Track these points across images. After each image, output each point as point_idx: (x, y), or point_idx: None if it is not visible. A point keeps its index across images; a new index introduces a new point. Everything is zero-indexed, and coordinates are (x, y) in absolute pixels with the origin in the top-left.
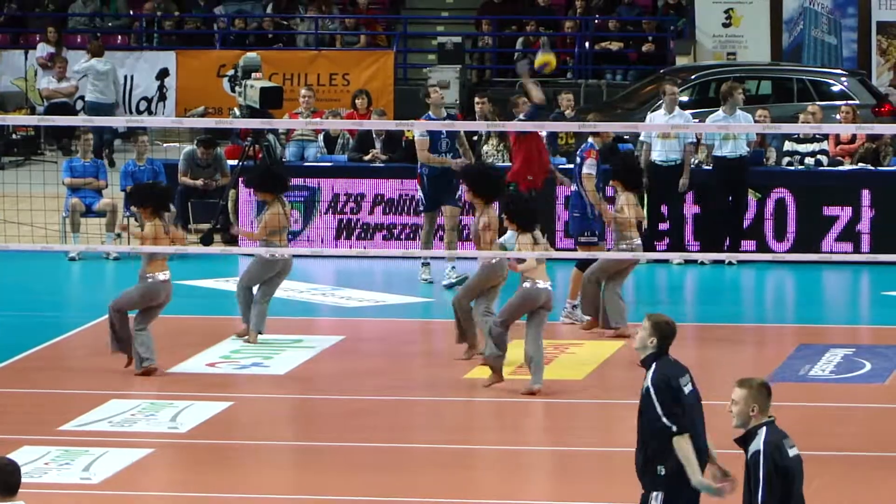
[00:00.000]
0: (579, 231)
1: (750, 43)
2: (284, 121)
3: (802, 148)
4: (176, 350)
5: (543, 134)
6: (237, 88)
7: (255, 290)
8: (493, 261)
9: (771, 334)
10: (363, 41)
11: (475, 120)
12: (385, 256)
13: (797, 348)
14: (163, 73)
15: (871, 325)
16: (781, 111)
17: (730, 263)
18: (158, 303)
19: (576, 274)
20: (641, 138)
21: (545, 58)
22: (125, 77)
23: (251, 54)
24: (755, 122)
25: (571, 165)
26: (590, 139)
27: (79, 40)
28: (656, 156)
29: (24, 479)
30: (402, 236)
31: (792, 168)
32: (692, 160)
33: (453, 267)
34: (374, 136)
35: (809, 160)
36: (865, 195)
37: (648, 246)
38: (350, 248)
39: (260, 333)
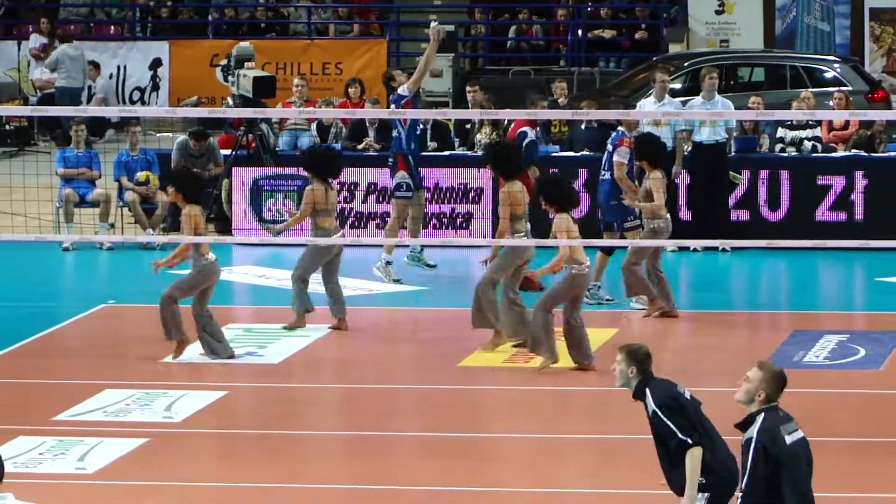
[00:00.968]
0: (623, 217)
1: (743, 30)
2: (278, 110)
3: (795, 134)
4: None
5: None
6: (230, 78)
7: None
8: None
9: (765, 321)
10: (356, 30)
11: (468, 108)
12: (379, 245)
13: (791, 334)
14: (156, 63)
15: (865, 311)
16: (775, 98)
17: (724, 250)
18: (213, 282)
19: (600, 257)
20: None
21: None
22: (118, 67)
23: (244, 44)
24: (748, 108)
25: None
26: (620, 127)
27: (72, 29)
28: None
29: (18, 470)
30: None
31: (785, 154)
32: (685, 147)
33: (422, 249)
34: (367, 124)
35: (807, 144)
36: (859, 177)
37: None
38: (343, 236)
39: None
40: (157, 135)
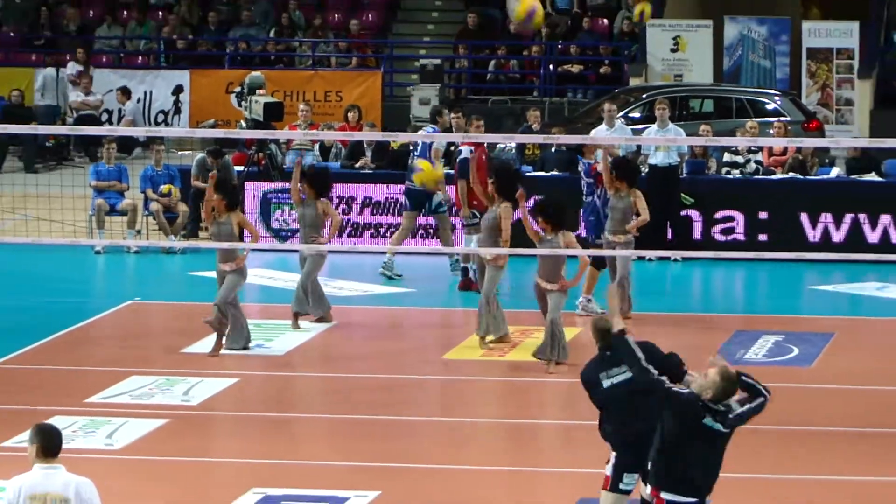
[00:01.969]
0: (597, 233)
1: (694, 66)
2: (285, 132)
3: (741, 158)
4: (190, 332)
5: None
6: (243, 103)
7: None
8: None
9: (711, 322)
10: (354, 62)
11: (452, 132)
12: (373, 251)
13: (734, 334)
14: (178, 90)
15: (799, 315)
16: (722, 126)
17: (675, 260)
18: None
19: (591, 271)
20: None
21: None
22: (144, 92)
23: (256, 73)
24: (699, 135)
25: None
26: (587, 157)
27: (104, 60)
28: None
29: None
30: (388, 234)
31: (730, 176)
32: (642, 168)
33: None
34: (364, 145)
35: (750, 167)
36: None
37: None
38: (342, 244)
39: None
40: (179, 153)
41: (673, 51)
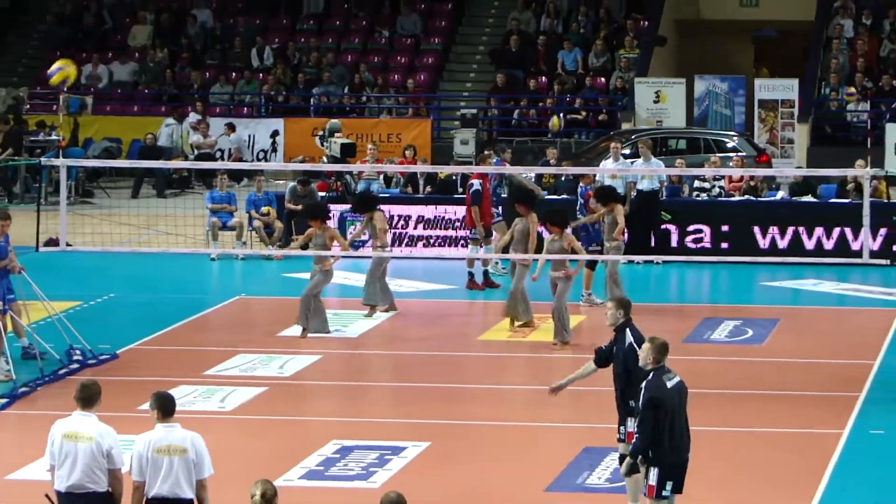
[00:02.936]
0: (588, 243)
1: (671, 113)
2: (357, 165)
3: (707, 184)
4: (284, 320)
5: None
6: (325, 144)
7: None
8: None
9: (684, 311)
10: (410, 112)
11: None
12: (425, 258)
13: (701, 321)
14: (274, 133)
15: (752, 305)
16: (693, 160)
17: (657, 263)
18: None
19: (586, 271)
20: (597, 177)
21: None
22: (249, 135)
23: (334, 121)
24: (675, 167)
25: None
26: (581, 183)
27: (217, 111)
28: None
29: (178, 408)
30: (436, 244)
31: (699, 198)
32: (632, 192)
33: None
34: (418, 176)
35: (714, 191)
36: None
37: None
38: (401, 251)
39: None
40: (275, 182)
41: (655, 102)
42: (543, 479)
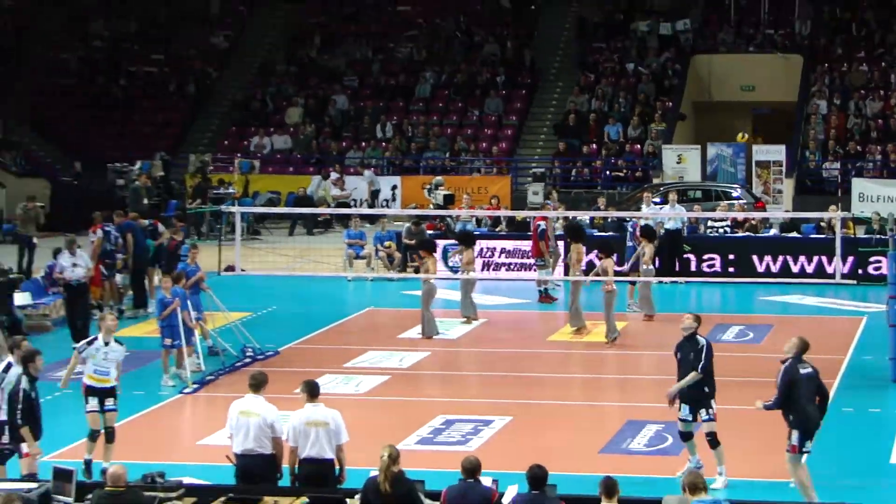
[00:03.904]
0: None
1: (690, 171)
2: (455, 210)
3: (718, 224)
4: (403, 326)
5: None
6: (431, 195)
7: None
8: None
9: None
10: (495, 171)
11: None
12: (506, 279)
13: (714, 326)
14: (394, 187)
15: (753, 314)
16: (707, 206)
17: (681, 283)
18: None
19: (631, 288)
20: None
21: None
22: (374, 189)
23: (438, 177)
24: (693, 211)
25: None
26: (632, 221)
27: (351, 170)
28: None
29: (323, 391)
30: (514, 269)
31: (712, 234)
32: (660, 230)
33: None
34: (501, 219)
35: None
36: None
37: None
38: (488, 274)
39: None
40: (395, 223)
41: (678, 163)
42: (597, 443)
